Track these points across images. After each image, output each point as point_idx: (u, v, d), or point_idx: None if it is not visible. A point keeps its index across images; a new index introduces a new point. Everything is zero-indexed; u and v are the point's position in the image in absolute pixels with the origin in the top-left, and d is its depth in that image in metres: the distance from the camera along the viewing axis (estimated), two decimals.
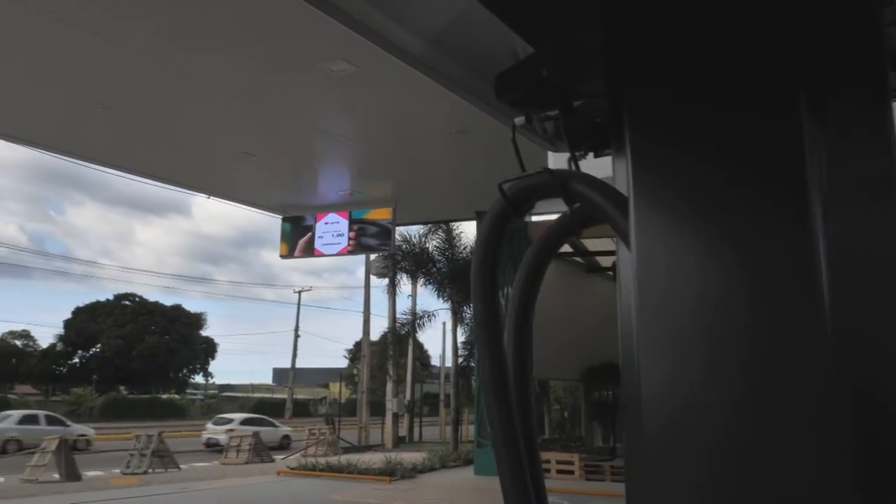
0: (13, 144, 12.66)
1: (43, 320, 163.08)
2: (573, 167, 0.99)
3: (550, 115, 0.98)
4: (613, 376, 19.90)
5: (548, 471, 15.70)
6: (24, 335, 66.18)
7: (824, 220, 0.71)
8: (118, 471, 17.84)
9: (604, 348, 19.67)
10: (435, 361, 52.50)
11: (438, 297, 23.95)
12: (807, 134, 0.73)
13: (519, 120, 0.99)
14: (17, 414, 28.94)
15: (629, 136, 0.82)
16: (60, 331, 64.12)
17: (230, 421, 29.82)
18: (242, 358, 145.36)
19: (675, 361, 0.78)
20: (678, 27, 0.81)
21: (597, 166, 1.04)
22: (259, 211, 16.59)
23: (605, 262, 21.00)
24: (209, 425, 30.52)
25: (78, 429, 28.79)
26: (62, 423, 28.32)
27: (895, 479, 0.70)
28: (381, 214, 14.84)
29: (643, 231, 0.79)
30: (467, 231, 22.95)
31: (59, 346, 63.62)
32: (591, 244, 18.80)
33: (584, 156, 1.02)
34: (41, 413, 29.74)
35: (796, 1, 0.77)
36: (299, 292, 51.06)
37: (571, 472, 15.56)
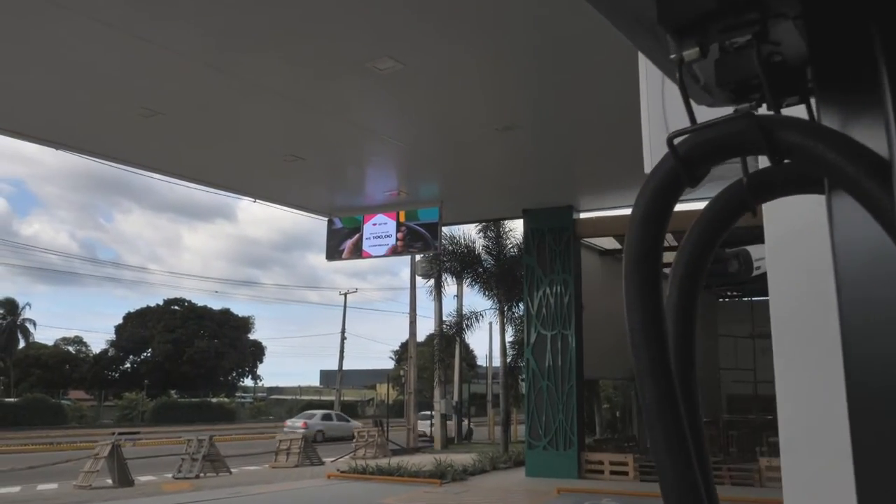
0: (63, 153, 12.79)
1: (95, 326, 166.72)
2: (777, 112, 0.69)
3: (737, 43, 0.69)
4: None
5: (601, 472, 15.40)
6: (77, 341, 67.67)
7: None
8: (170, 475, 17.97)
9: None
10: (480, 361, 52.28)
11: (489, 297, 23.74)
12: None
13: (689, 53, 0.68)
14: (319, 413, 38.34)
15: (888, 75, 0.58)
16: (112, 336, 65.41)
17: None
18: (290, 360, 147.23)
19: None
20: None
21: None
22: (306, 214, 16.57)
23: None
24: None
25: (355, 424, 34.97)
26: (346, 420, 38.33)
27: None
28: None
29: None
30: (516, 230, 22.67)
31: (111, 352, 64.84)
32: None
33: (755, 107, 0.74)
34: (333, 412, 39.45)
35: None
36: (345, 294, 51.16)
37: (626, 473, 15.23)
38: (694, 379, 0.75)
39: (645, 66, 1.50)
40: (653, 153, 1.41)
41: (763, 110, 0.67)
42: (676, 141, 0.66)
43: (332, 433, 34.63)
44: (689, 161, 0.66)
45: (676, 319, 0.73)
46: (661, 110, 1.39)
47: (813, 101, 0.70)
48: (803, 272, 1.38)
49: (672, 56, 0.70)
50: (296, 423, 34.23)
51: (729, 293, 23.03)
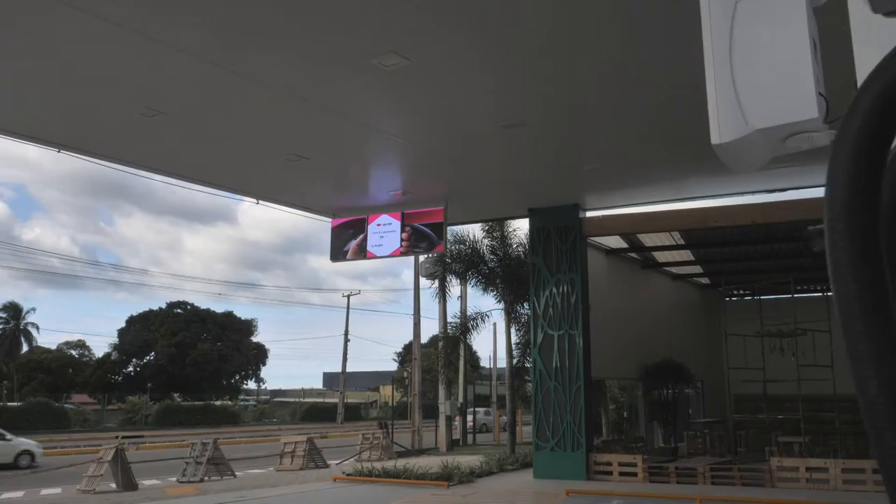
0: (64, 156, 12.66)
1: (97, 330, 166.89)
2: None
3: None
4: (672, 374, 19.35)
5: (610, 473, 15.24)
6: (80, 345, 67.65)
7: None
8: (174, 479, 17.85)
9: (661, 346, 19.15)
10: (484, 363, 52.13)
11: (494, 298, 23.58)
12: None
13: None
14: (482, 410, 43.73)
15: None
16: (115, 340, 65.33)
17: None
18: (293, 363, 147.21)
19: None
20: None
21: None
22: (309, 215, 16.44)
23: (660, 257, 20.44)
24: None
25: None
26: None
27: None
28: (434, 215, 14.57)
29: None
30: (520, 229, 22.54)
31: (114, 356, 64.75)
32: (647, 239, 18.27)
33: None
34: (482, 409, 44.17)
35: None
36: (348, 296, 51.16)
37: (635, 474, 15.07)
38: None
39: (710, 25, 1.36)
40: (720, 121, 1.27)
41: None
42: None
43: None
44: None
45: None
46: (729, 72, 1.25)
47: None
48: None
49: None
50: None
51: (736, 292, 22.86)
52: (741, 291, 22.84)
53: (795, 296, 17.79)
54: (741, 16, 1.34)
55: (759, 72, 1.30)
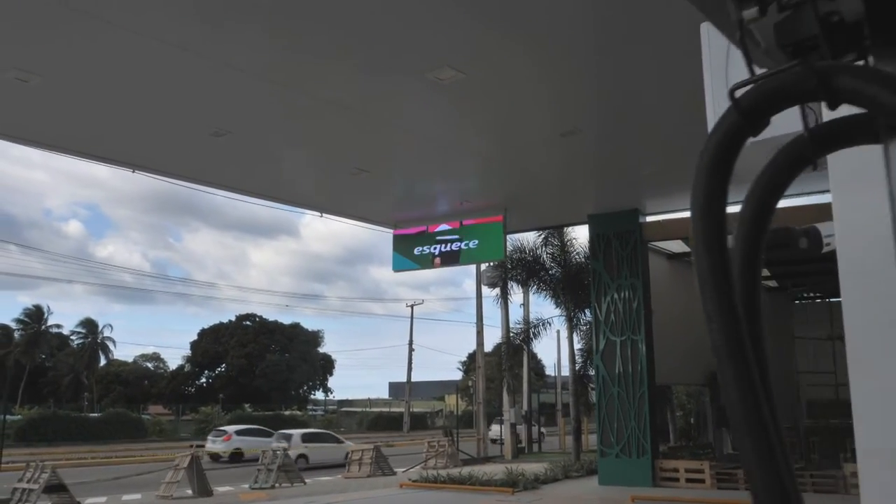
0: (135, 176, 13.27)
1: (169, 342, 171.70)
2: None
3: (793, 2, 0.73)
4: None
5: (676, 479, 15.11)
6: (155, 357, 69.91)
7: None
8: (247, 486, 18.35)
9: None
10: (549, 371, 51.88)
11: (555, 305, 23.59)
12: None
13: (749, 13, 0.73)
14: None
15: None
16: (187, 352, 67.24)
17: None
18: (359, 373, 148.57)
19: None
20: None
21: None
22: (371, 226, 16.79)
23: None
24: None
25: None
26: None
27: None
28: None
29: None
30: (580, 236, 22.56)
31: (187, 367, 66.69)
32: None
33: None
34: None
35: None
36: (412, 306, 51.63)
37: (702, 481, 14.90)
38: (761, 326, 0.77)
39: (708, 42, 1.50)
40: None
41: None
42: (738, 93, 0.69)
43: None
44: (750, 112, 0.69)
45: (742, 268, 0.76)
46: (725, 85, 1.40)
47: (871, 58, 0.72)
48: (873, 246, 1.36)
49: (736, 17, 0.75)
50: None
51: (805, 295, 22.36)
52: (810, 294, 22.32)
53: None
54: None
55: None
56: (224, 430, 32.96)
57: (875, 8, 0.70)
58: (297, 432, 29.76)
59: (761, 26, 0.75)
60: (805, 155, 0.73)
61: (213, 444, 30.99)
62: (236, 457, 30.17)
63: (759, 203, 0.76)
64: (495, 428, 33.95)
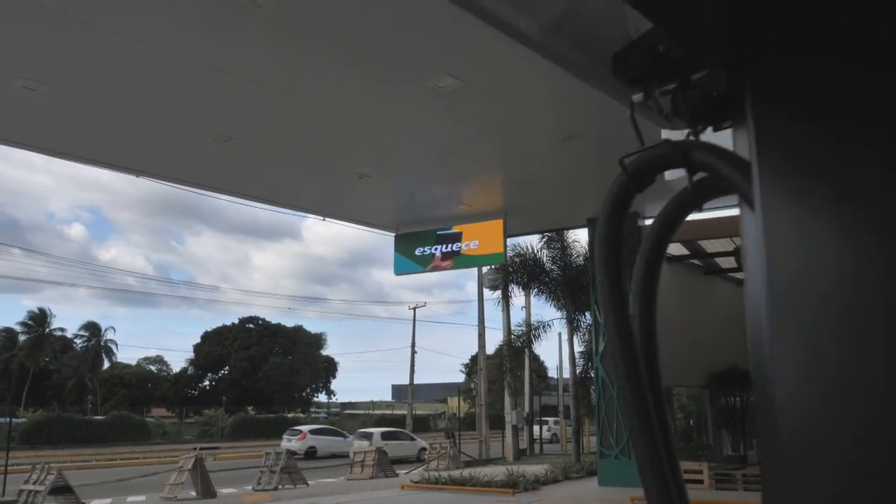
0: (137, 180, 13.46)
1: (173, 345, 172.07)
2: (696, 138, 0.97)
3: (668, 90, 0.95)
4: (739, 381, 19.15)
5: None
6: (158, 360, 70.09)
7: None
8: (250, 487, 18.51)
9: (727, 353, 18.96)
10: (551, 373, 52.00)
11: (556, 307, 23.74)
12: None
13: (637, 97, 0.97)
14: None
15: (751, 108, 0.81)
16: (191, 355, 67.43)
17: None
18: (361, 375, 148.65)
19: (809, 350, 0.72)
20: None
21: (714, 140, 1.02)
22: (372, 230, 16.97)
23: (723, 263, 20.29)
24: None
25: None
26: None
27: None
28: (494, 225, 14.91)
29: (769, 195, 0.77)
30: (581, 239, 22.69)
31: (190, 370, 66.85)
32: (709, 245, 18.21)
33: (702, 130, 0.99)
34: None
35: None
36: (414, 308, 51.71)
37: (701, 482, 15.03)
38: (655, 351, 1.00)
39: None
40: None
41: (710, 131, 0.93)
42: (626, 161, 0.95)
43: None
44: (634, 175, 0.94)
45: (641, 297, 0.97)
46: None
47: (731, 126, 0.93)
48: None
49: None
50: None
51: None
52: None
53: None
54: None
55: None
56: (299, 430, 36.73)
57: (732, 87, 0.90)
58: (377, 431, 33.80)
59: (664, 99, 0.96)
60: (692, 200, 0.96)
61: (289, 443, 33.62)
62: (310, 454, 33.10)
63: (660, 233, 1.00)
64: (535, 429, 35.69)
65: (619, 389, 0.94)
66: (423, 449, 31.08)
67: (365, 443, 28.80)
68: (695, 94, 0.94)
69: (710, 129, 0.96)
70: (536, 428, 36.38)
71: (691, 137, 0.95)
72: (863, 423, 0.68)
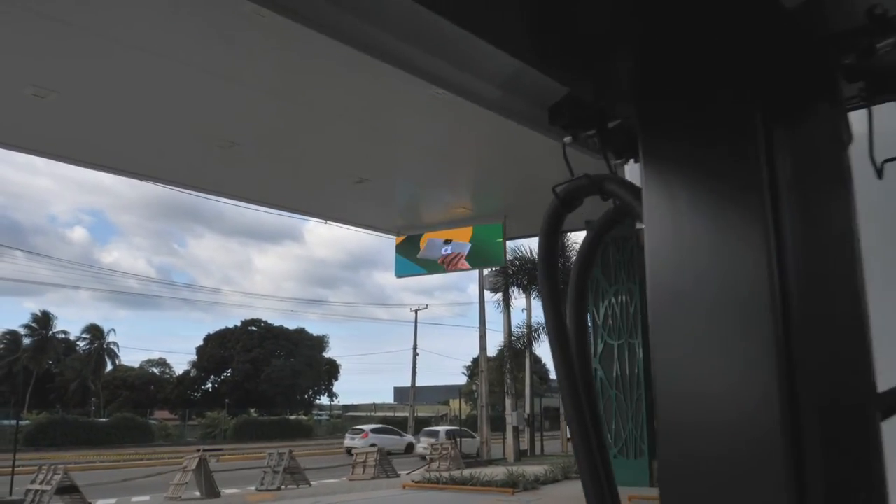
0: (136, 183, 13.67)
1: (175, 348, 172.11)
2: (613, 171, 1.23)
3: (591, 134, 1.21)
4: None
5: None
6: (161, 363, 70.25)
7: (790, 211, 0.87)
8: (253, 488, 18.70)
9: None
10: (553, 375, 52.02)
11: None
12: (769, 141, 0.90)
13: (567, 139, 1.24)
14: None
15: (641, 141, 1.04)
16: (193, 357, 67.58)
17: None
18: (363, 377, 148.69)
19: (678, 346, 0.94)
20: (671, 60, 1.02)
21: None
22: (374, 233, 17.17)
23: None
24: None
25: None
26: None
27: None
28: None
29: (652, 212, 0.98)
30: (579, 242, 22.87)
31: (193, 373, 67.01)
32: None
33: (625, 161, 1.25)
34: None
35: (754, 41, 0.95)
36: (416, 311, 51.86)
37: None
38: (586, 345, 1.25)
39: None
40: None
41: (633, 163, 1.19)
42: (558, 189, 1.19)
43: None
44: (564, 201, 1.18)
45: (575, 297, 1.20)
46: None
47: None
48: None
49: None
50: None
51: None
52: None
53: None
54: None
55: None
56: (361, 429, 39.75)
57: (643, 124, 1.14)
58: (442, 429, 37.82)
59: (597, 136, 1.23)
60: (614, 219, 1.21)
61: (352, 441, 36.79)
62: None
63: (591, 243, 1.26)
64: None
65: (557, 381, 1.18)
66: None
67: (431, 440, 31.81)
68: (616, 135, 1.18)
69: (632, 160, 1.21)
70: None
71: (616, 169, 1.20)
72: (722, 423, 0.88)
